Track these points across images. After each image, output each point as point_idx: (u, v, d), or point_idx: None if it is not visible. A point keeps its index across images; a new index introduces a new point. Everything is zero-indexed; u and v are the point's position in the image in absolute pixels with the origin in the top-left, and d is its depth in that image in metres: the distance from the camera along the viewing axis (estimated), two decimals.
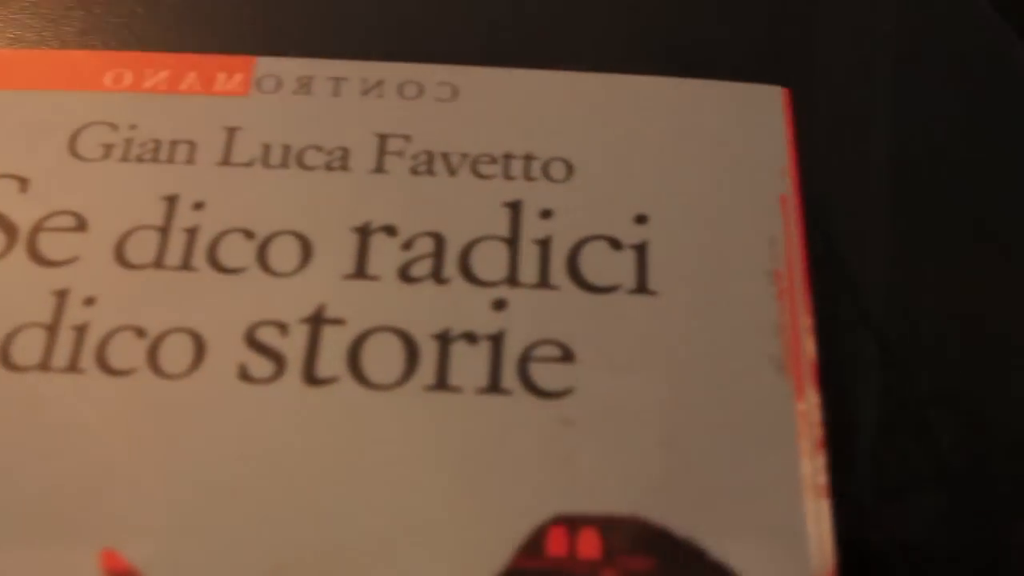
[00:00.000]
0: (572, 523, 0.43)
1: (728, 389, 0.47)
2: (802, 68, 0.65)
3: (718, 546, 0.43)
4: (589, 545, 0.43)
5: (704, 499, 0.44)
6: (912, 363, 0.56)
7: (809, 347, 0.48)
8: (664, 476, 0.44)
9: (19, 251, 0.48)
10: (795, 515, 0.44)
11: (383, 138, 0.52)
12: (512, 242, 0.49)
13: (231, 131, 0.53)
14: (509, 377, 0.46)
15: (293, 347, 0.46)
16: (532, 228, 0.50)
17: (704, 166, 0.52)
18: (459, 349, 0.46)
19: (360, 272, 0.48)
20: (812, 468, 0.45)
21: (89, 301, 0.47)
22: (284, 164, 0.52)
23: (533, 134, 0.53)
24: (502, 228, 0.50)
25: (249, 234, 0.49)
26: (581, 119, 0.54)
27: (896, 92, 0.65)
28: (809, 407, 0.46)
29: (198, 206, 0.50)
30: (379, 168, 0.51)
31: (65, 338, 0.46)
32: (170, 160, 0.52)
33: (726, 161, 0.52)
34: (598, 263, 0.49)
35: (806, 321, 0.48)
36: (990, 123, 0.62)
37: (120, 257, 0.48)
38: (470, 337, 0.47)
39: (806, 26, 0.68)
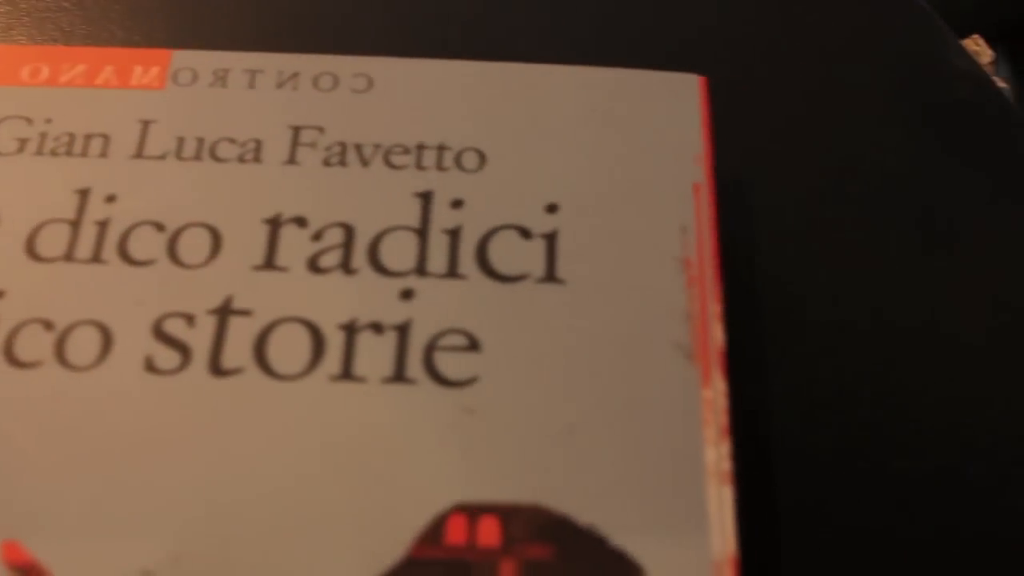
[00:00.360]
0: (472, 512, 0.43)
1: (635, 377, 0.47)
2: (719, 56, 0.66)
3: (620, 534, 0.43)
4: (489, 533, 0.43)
5: (607, 487, 0.44)
6: (822, 350, 0.56)
7: (717, 334, 0.48)
8: (567, 464, 0.44)
9: None
10: (698, 502, 0.44)
11: (296, 130, 0.52)
12: (422, 232, 0.49)
13: (145, 124, 0.52)
14: (414, 367, 0.46)
15: (200, 339, 0.46)
16: (442, 218, 0.50)
17: (618, 154, 0.52)
18: (365, 339, 0.46)
19: (269, 263, 0.48)
20: (716, 455, 0.45)
21: None
22: (197, 157, 0.51)
23: (447, 124, 0.53)
24: (412, 218, 0.50)
25: (160, 227, 0.49)
26: (495, 109, 0.54)
27: (814, 83, 0.66)
28: (715, 394, 0.46)
29: (110, 199, 0.50)
30: (291, 160, 0.51)
31: None
32: (84, 154, 0.51)
33: (640, 149, 0.52)
34: (507, 252, 0.49)
35: (715, 308, 0.48)
36: (908, 113, 0.62)
37: (30, 250, 0.48)
38: (376, 327, 0.47)
39: (723, 14, 0.68)
